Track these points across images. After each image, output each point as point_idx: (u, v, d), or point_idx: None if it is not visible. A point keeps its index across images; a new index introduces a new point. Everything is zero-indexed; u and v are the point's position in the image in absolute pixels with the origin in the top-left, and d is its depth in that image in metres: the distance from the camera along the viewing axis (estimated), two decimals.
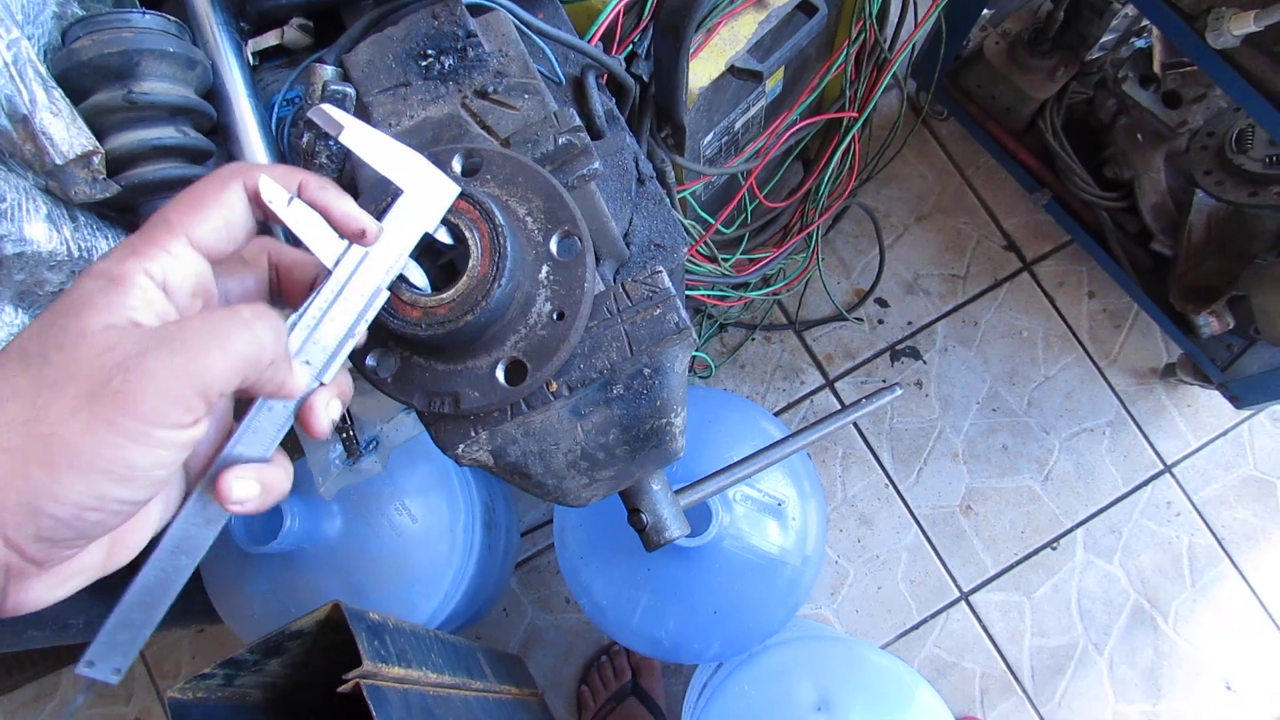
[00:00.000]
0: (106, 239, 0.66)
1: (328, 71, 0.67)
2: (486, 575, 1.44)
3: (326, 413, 0.44)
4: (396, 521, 1.21)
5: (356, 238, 0.44)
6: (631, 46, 0.97)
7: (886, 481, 1.77)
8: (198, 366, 0.36)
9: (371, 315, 0.45)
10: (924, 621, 1.73)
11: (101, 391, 0.35)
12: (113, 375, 0.35)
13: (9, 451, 0.35)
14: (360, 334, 0.45)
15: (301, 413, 0.44)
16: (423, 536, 1.24)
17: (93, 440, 0.35)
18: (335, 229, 0.43)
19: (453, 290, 0.47)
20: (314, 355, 0.43)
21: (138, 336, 0.36)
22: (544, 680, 1.70)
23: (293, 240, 0.44)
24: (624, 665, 1.67)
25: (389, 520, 1.21)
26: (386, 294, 0.46)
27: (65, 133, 0.61)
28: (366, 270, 0.44)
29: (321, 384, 0.44)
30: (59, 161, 0.61)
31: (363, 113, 0.63)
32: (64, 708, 1.75)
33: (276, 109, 0.73)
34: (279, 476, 0.43)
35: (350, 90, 0.63)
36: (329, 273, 0.44)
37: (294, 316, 0.43)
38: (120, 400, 0.35)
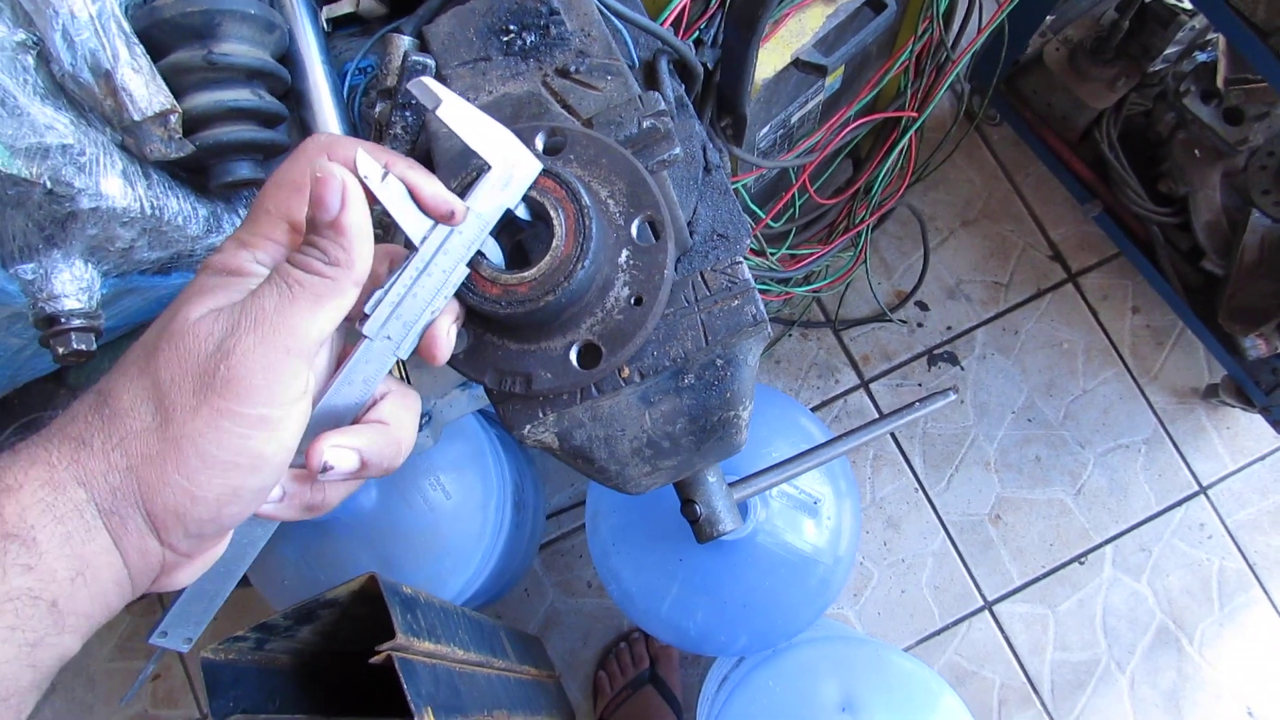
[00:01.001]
0: (177, 198, 0.66)
1: (406, 42, 0.66)
2: (512, 555, 1.44)
3: (449, 339, 0.45)
4: (430, 496, 1.22)
5: (445, 219, 0.44)
6: (697, 34, 0.96)
7: (916, 486, 1.75)
8: (285, 332, 0.37)
9: (451, 291, 0.45)
10: (946, 628, 1.72)
11: (212, 382, 0.36)
12: (216, 362, 0.36)
13: (149, 460, 0.37)
14: (439, 308, 0.45)
15: (425, 344, 0.45)
16: (455, 513, 1.24)
17: (218, 434, 0.37)
18: (422, 209, 0.43)
19: (535, 269, 0.47)
20: (395, 331, 0.44)
21: (227, 316, 0.37)
22: (561, 663, 1.71)
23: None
24: (642, 653, 1.67)
25: (423, 495, 1.21)
26: (466, 270, 0.45)
27: (145, 90, 0.61)
28: (451, 247, 0.44)
29: (400, 359, 0.44)
30: (137, 118, 0.61)
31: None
32: (86, 661, 1.77)
33: (349, 77, 0.73)
34: (381, 444, 0.43)
35: (430, 61, 0.63)
36: (415, 250, 0.44)
37: (379, 293, 0.43)
38: (233, 388, 0.36)
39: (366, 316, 0.43)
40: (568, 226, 0.47)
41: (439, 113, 0.43)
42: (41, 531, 0.35)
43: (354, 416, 0.44)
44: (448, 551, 1.25)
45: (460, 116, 0.44)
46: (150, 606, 1.78)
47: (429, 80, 0.43)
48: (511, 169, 0.46)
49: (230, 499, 0.38)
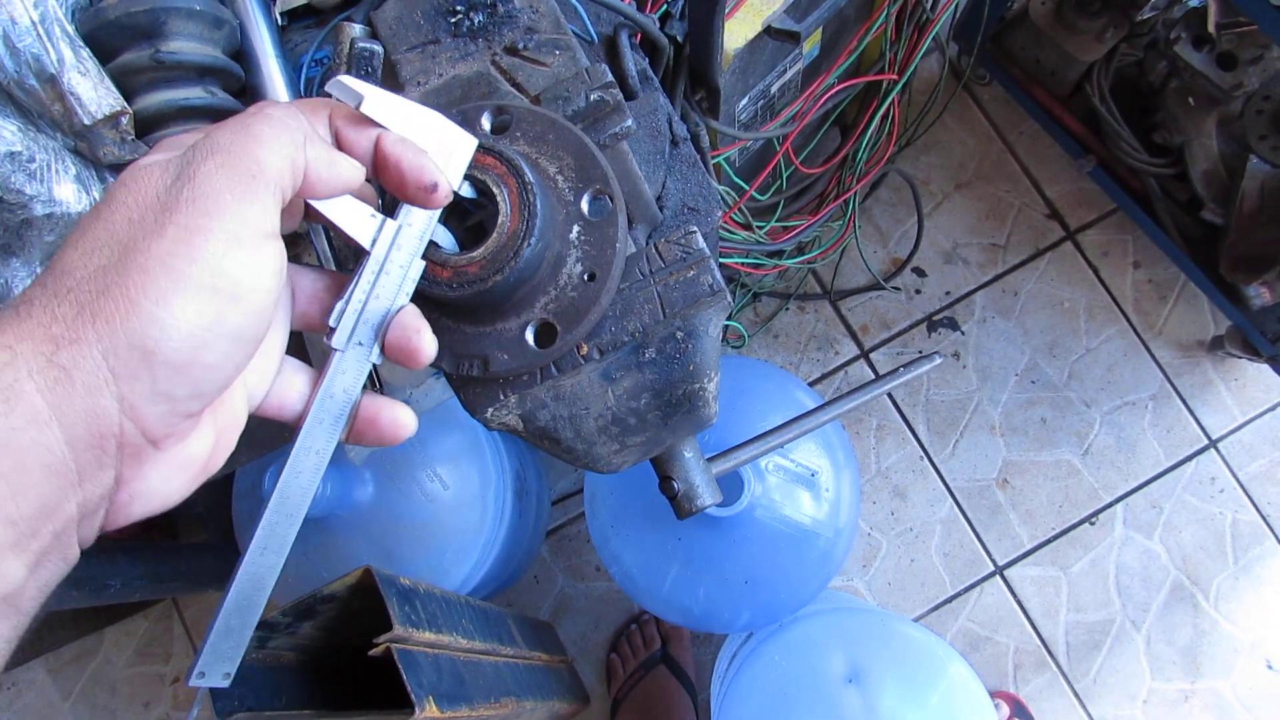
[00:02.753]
0: None
1: (355, 29, 0.65)
2: (517, 543, 1.44)
3: (429, 342, 0.44)
4: (428, 488, 1.22)
5: (425, 192, 0.42)
6: (665, 6, 0.95)
7: (921, 453, 1.74)
8: (246, 158, 0.35)
9: (413, 286, 0.45)
10: (957, 595, 1.71)
11: (178, 204, 0.33)
12: (179, 188, 0.33)
13: (106, 292, 0.32)
14: (403, 304, 0.44)
15: (403, 351, 0.44)
16: (454, 503, 1.24)
17: (189, 250, 0.32)
18: (402, 184, 0.42)
19: (482, 249, 0.46)
20: (364, 336, 0.43)
21: (179, 156, 0.35)
22: (573, 648, 1.71)
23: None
24: (653, 634, 1.67)
25: (420, 487, 1.21)
26: (423, 263, 0.45)
27: (93, 93, 0.60)
28: (403, 241, 0.44)
29: (373, 365, 0.44)
30: (87, 122, 0.60)
31: (390, 71, 0.62)
32: (107, 668, 1.79)
33: (305, 69, 0.72)
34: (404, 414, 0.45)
35: (378, 48, 0.62)
36: (367, 253, 0.43)
37: (339, 304, 0.43)
38: (201, 205, 0.33)
39: (332, 330, 0.42)
40: (511, 203, 0.47)
41: (363, 108, 0.42)
42: None
43: (342, 429, 0.44)
44: (449, 543, 1.25)
45: (385, 108, 0.43)
46: (166, 610, 1.80)
47: (347, 78, 0.42)
48: (448, 151, 0.45)
49: (205, 339, 0.33)
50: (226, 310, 0.34)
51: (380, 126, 0.42)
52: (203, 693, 0.44)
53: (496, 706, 1.11)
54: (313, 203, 0.41)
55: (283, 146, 0.36)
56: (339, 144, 0.41)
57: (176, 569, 1.26)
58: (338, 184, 0.40)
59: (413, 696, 0.90)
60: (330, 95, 0.43)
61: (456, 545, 1.24)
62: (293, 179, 0.37)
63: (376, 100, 0.42)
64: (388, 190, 0.42)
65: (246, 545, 0.42)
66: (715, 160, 1.18)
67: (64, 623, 1.74)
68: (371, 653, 0.92)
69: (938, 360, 0.84)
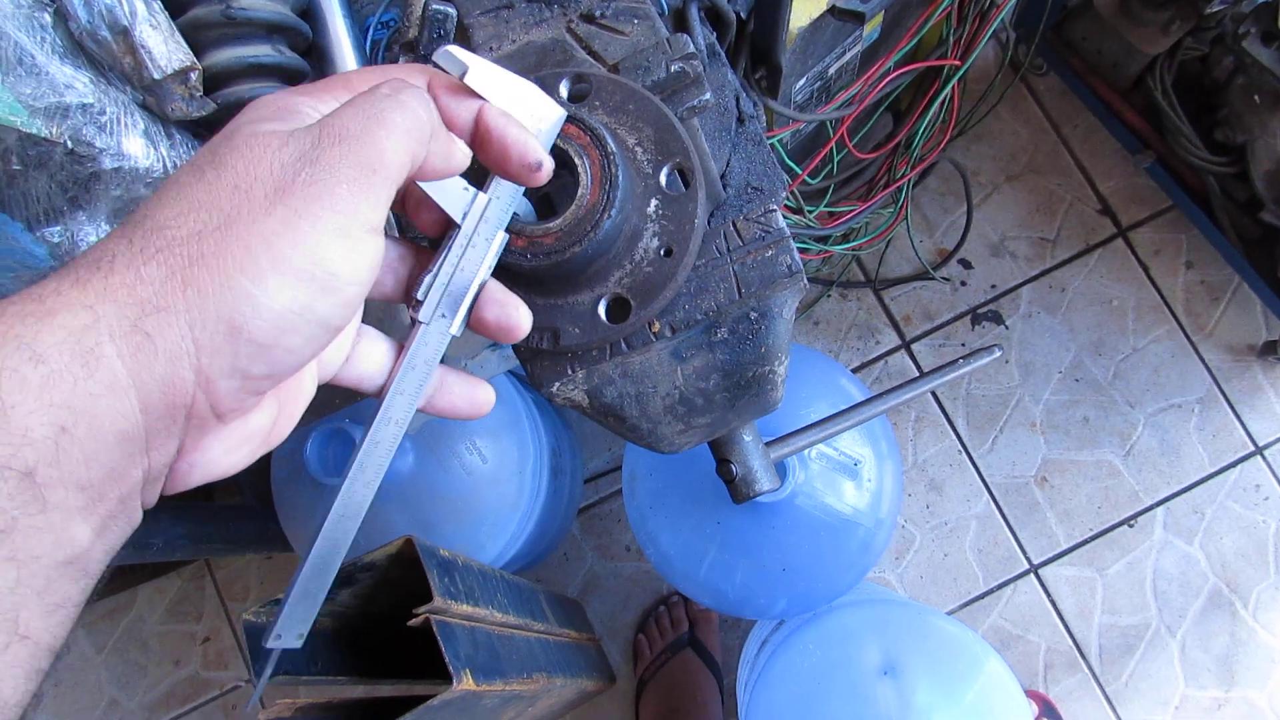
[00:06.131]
0: None
1: None
2: (550, 519, 1.44)
3: (524, 315, 0.44)
4: (467, 461, 1.21)
5: (528, 170, 0.41)
6: None
7: (960, 448, 1.72)
8: (373, 150, 0.34)
9: (495, 259, 0.44)
10: (990, 592, 1.69)
11: (293, 185, 0.32)
12: (298, 169, 0.33)
13: (201, 261, 0.31)
14: (485, 278, 0.44)
15: (501, 327, 0.44)
16: (492, 477, 1.24)
17: (295, 235, 0.32)
18: (508, 158, 0.41)
19: (561, 219, 0.45)
20: (447, 307, 0.43)
21: (306, 131, 0.34)
22: (601, 626, 1.71)
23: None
24: (681, 616, 1.67)
25: (460, 459, 1.21)
26: (506, 236, 0.44)
27: (164, 47, 0.60)
28: (491, 214, 0.43)
29: (452, 335, 0.44)
30: (157, 76, 0.60)
31: (463, 35, 0.61)
32: (139, 624, 1.81)
33: (371, 31, 0.72)
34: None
35: (451, 10, 0.61)
36: (457, 226, 0.43)
37: (428, 277, 0.42)
38: (315, 191, 0.32)
39: (419, 303, 0.42)
40: (593, 174, 0.45)
41: (467, 80, 0.41)
42: (8, 379, 0.28)
43: (419, 402, 0.44)
44: (485, 516, 1.25)
45: (488, 79, 0.42)
46: (199, 570, 1.81)
47: (454, 48, 0.41)
48: (538, 122, 0.44)
49: (293, 323, 0.33)
50: (319, 298, 0.33)
51: (481, 98, 0.41)
52: (276, 652, 0.45)
53: (529, 682, 1.11)
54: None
55: (411, 143, 0.36)
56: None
57: (216, 531, 1.27)
58: (448, 173, 0.40)
59: (450, 669, 0.90)
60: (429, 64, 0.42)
61: (493, 520, 1.24)
62: (410, 173, 0.37)
63: (480, 71, 0.41)
64: (485, 164, 0.42)
65: (330, 512, 0.43)
66: (769, 141, 1.16)
67: (99, 578, 1.76)
68: (411, 623, 0.92)
69: (997, 353, 0.83)
